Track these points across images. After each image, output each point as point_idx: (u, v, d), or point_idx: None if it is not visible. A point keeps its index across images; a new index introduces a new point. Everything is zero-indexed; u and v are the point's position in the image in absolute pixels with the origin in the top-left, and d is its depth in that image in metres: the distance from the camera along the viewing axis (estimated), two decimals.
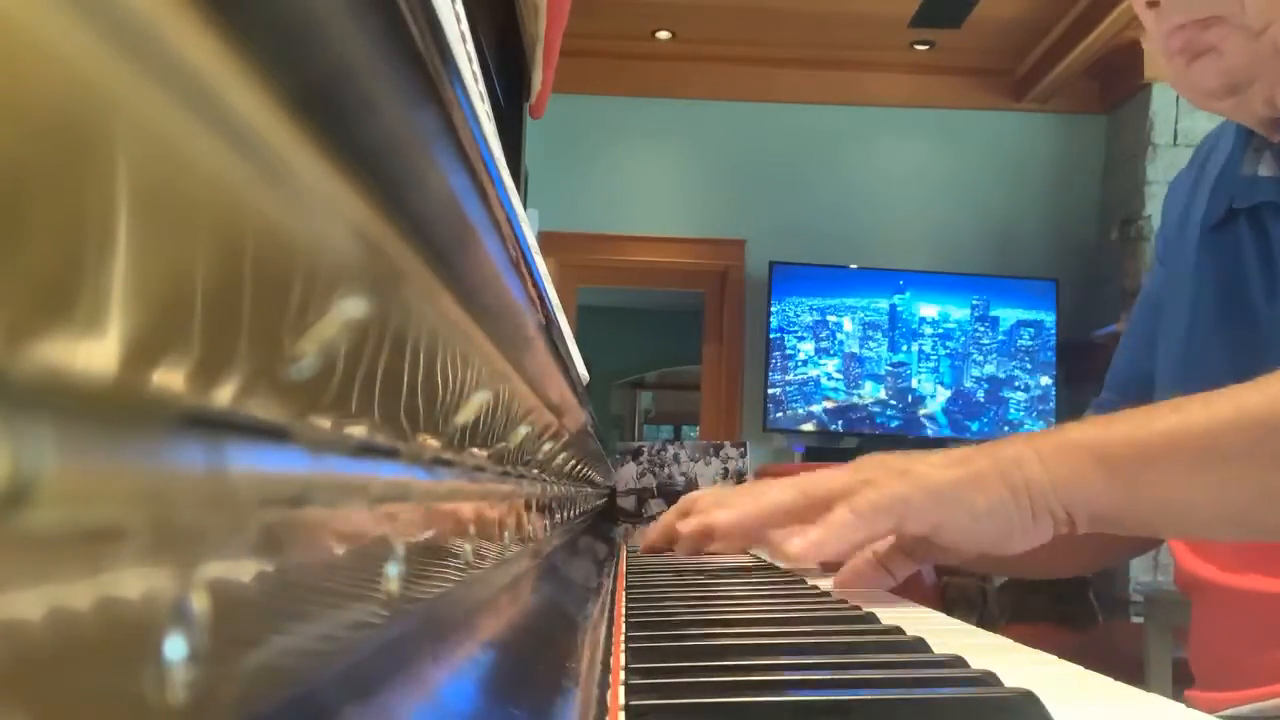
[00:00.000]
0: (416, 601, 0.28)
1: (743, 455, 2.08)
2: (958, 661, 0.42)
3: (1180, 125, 4.14)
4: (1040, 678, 0.40)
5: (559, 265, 4.34)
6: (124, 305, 0.12)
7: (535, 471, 0.60)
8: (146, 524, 0.13)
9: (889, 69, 4.63)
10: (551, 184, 4.33)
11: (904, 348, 4.52)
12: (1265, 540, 0.85)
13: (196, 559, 0.15)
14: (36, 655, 0.11)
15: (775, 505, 0.84)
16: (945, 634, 0.55)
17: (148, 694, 0.13)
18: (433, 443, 0.30)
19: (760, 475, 2.91)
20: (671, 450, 2.07)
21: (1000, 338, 4.50)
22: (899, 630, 0.52)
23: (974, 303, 4.51)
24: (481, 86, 0.46)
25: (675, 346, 6.48)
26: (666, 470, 2.05)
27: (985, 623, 2.33)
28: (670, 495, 2.04)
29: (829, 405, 4.48)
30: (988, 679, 0.38)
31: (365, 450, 0.23)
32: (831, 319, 4.50)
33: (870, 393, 4.50)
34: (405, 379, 0.25)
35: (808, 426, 4.47)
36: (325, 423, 0.20)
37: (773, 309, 4.47)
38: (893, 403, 4.51)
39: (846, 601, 0.68)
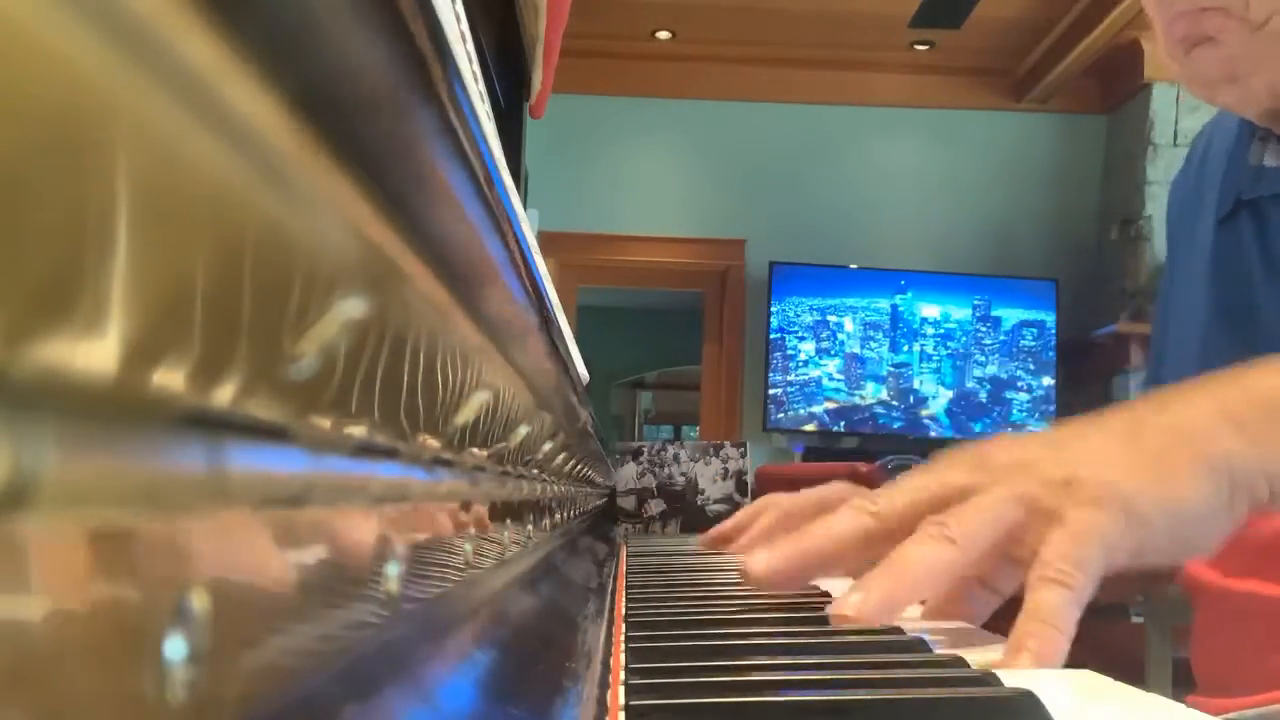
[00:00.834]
0: (416, 601, 0.28)
1: (743, 455, 2.08)
2: (958, 662, 0.42)
3: (1180, 125, 4.14)
4: (1040, 678, 0.40)
5: (559, 265, 4.34)
6: (124, 305, 0.12)
7: (535, 471, 0.60)
8: (146, 524, 0.13)
9: (889, 69, 4.63)
10: (551, 184, 4.33)
11: (905, 348, 4.52)
12: None
13: (196, 559, 0.15)
14: (37, 655, 0.11)
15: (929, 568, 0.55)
16: (945, 633, 0.55)
17: (148, 694, 0.13)
18: (432, 443, 0.30)
19: (760, 476, 2.90)
20: (671, 450, 2.08)
21: (1002, 338, 4.50)
22: (899, 630, 0.52)
23: (975, 303, 4.52)
24: (481, 86, 0.46)
25: (675, 346, 6.48)
26: (666, 470, 2.05)
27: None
28: (670, 495, 2.04)
29: (831, 406, 4.48)
30: (988, 679, 0.38)
31: (365, 450, 0.23)
32: (832, 319, 4.51)
33: (872, 393, 4.50)
34: (405, 379, 0.25)
35: (809, 427, 4.47)
36: (325, 423, 0.20)
37: (773, 309, 4.47)
38: (895, 403, 4.51)
39: None
